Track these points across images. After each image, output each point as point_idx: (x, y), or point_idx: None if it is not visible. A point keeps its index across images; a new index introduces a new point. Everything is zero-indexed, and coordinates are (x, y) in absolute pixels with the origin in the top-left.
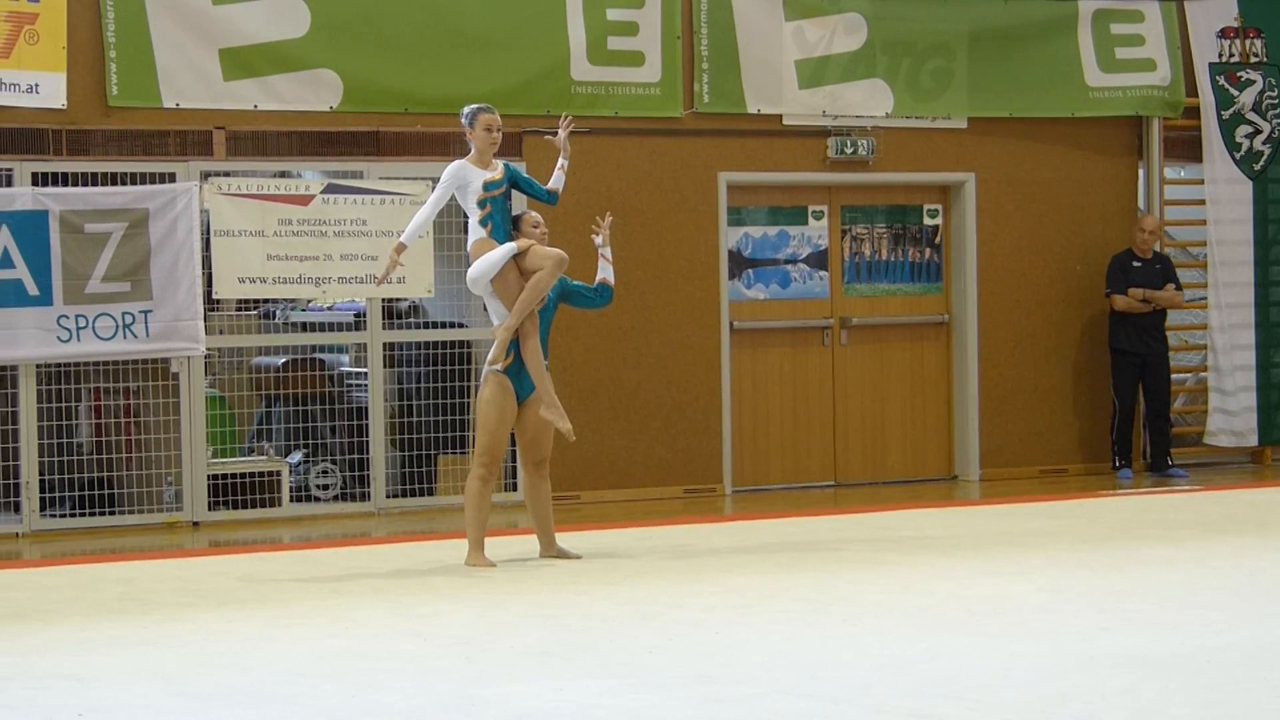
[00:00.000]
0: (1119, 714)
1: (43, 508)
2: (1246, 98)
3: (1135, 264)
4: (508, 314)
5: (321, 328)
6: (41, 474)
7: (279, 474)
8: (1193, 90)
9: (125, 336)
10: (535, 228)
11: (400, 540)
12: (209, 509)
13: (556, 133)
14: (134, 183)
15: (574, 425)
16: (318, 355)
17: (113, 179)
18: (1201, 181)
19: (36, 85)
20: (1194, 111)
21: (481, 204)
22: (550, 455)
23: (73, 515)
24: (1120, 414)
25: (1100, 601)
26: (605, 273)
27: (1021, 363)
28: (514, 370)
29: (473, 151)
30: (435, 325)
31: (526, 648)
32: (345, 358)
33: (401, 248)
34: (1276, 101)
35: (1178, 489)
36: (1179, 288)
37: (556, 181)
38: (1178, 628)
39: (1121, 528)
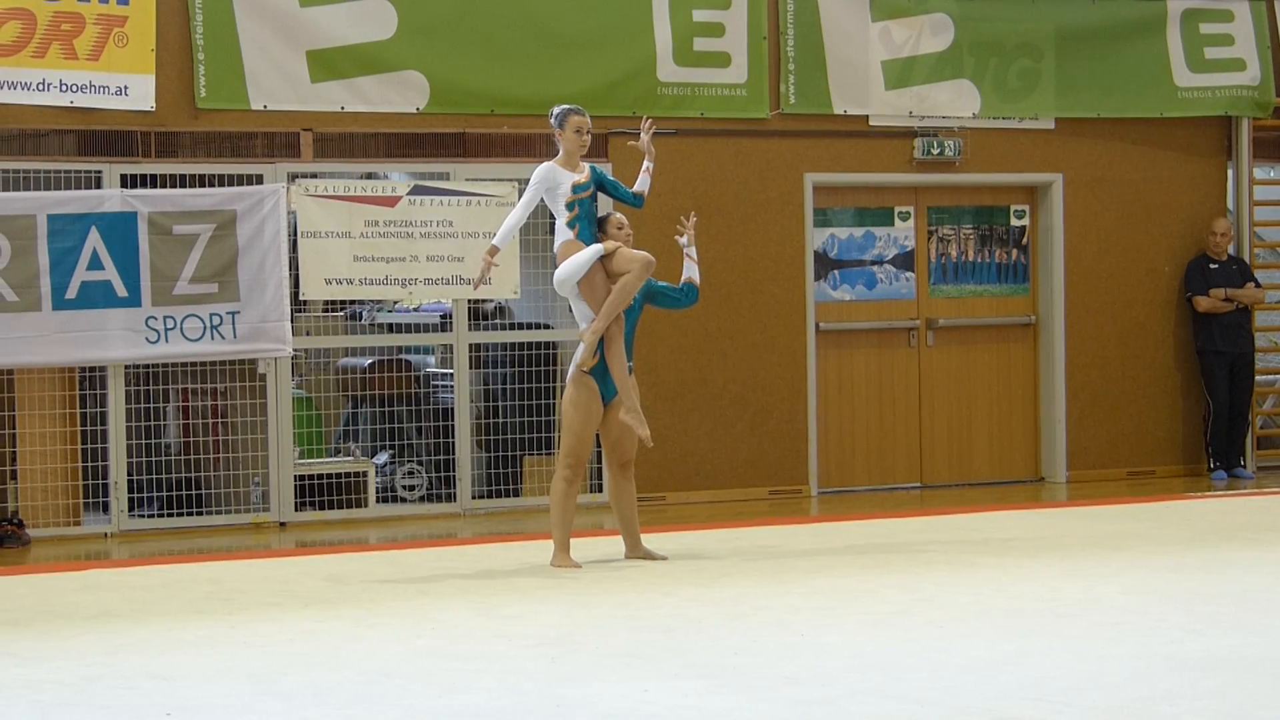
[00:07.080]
0: (1207, 717)
1: (131, 508)
2: None
3: (1212, 266)
4: (593, 316)
5: (408, 329)
6: (130, 474)
7: (365, 475)
8: None
9: (213, 337)
10: (620, 229)
11: (486, 541)
12: (295, 509)
13: (639, 135)
14: (222, 184)
15: (659, 426)
16: (404, 356)
17: (201, 181)
18: None
19: (125, 87)
20: None
21: (569, 206)
22: (635, 457)
23: (160, 515)
24: (1215, 416)
25: (1188, 604)
26: (691, 272)
27: (1109, 364)
28: (600, 372)
29: (560, 153)
30: (521, 326)
31: (612, 649)
32: (431, 359)
33: (494, 250)
34: None
35: (1265, 491)
36: (1258, 285)
37: (642, 185)
38: (1266, 631)
39: (1209, 530)
